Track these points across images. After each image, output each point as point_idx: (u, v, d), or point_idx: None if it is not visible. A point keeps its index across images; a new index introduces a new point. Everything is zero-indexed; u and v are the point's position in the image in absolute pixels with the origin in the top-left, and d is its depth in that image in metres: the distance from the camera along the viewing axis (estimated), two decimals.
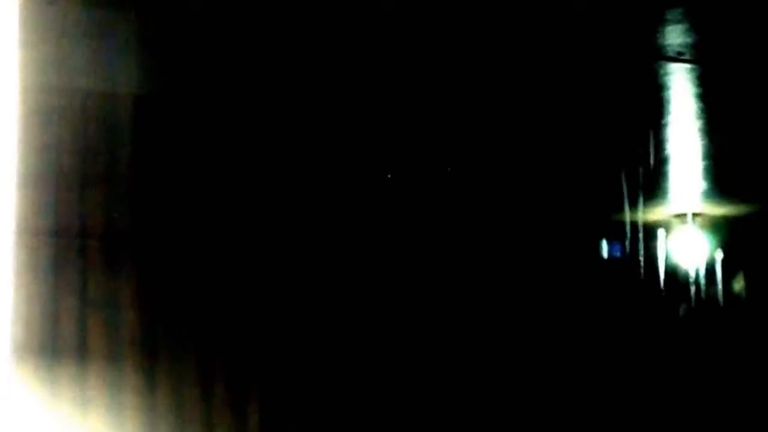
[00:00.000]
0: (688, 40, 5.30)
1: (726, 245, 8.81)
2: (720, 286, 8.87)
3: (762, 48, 5.45)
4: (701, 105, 6.07)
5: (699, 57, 5.52)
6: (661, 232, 8.64)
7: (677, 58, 5.51)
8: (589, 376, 7.96)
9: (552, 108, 6.18)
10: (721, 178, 7.51)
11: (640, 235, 8.13)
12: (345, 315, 5.56)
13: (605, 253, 8.43)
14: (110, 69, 4.86)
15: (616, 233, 8.22)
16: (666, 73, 5.67)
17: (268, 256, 5.28)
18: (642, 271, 8.34)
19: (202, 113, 5.10)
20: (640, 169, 6.84)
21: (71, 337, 4.76)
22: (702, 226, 8.61)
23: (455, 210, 6.76)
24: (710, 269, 8.84)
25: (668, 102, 6.01)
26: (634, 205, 7.55)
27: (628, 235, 8.00)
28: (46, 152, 4.76)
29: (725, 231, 8.73)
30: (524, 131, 6.38)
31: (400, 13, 5.05)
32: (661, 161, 6.83)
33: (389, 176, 6.03)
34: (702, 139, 6.59)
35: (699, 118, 6.24)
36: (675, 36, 5.31)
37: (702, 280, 8.81)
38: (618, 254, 8.39)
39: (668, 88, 5.84)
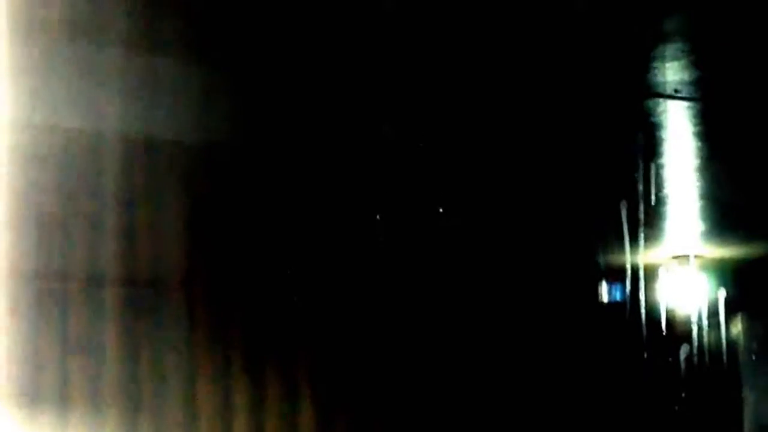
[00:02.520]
0: (685, 77, 5.28)
1: (728, 287, 8.82)
2: (721, 328, 8.86)
3: (759, 86, 5.44)
4: (699, 143, 6.07)
5: (696, 94, 5.50)
6: (661, 275, 8.64)
7: (674, 96, 5.49)
8: (590, 418, 7.92)
9: (547, 146, 6.18)
10: (723, 218, 7.52)
11: (640, 277, 8.12)
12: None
13: (605, 296, 8.41)
14: (95, 108, 4.85)
15: (615, 276, 8.22)
16: (663, 111, 5.66)
17: (258, 300, 5.24)
18: (642, 314, 8.32)
19: (191, 154, 5.07)
20: (640, 210, 6.84)
21: (52, 382, 4.72)
22: (703, 268, 8.59)
23: (448, 250, 6.74)
24: (712, 311, 8.82)
25: (665, 140, 6.01)
26: (633, 247, 7.56)
27: (628, 277, 7.99)
28: (28, 193, 4.73)
29: (727, 273, 8.73)
30: (519, 170, 6.37)
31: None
32: (660, 201, 6.84)
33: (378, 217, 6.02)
34: (701, 178, 6.59)
35: (697, 156, 6.24)
36: (672, 73, 5.29)
37: (703, 322, 8.79)
38: (618, 297, 8.38)
39: (665, 126, 5.84)
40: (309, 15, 5.00)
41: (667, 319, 8.46)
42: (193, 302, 5.01)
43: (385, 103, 5.50)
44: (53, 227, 4.78)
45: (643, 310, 8.15)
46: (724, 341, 8.89)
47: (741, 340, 9.05)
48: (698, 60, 5.21)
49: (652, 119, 5.73)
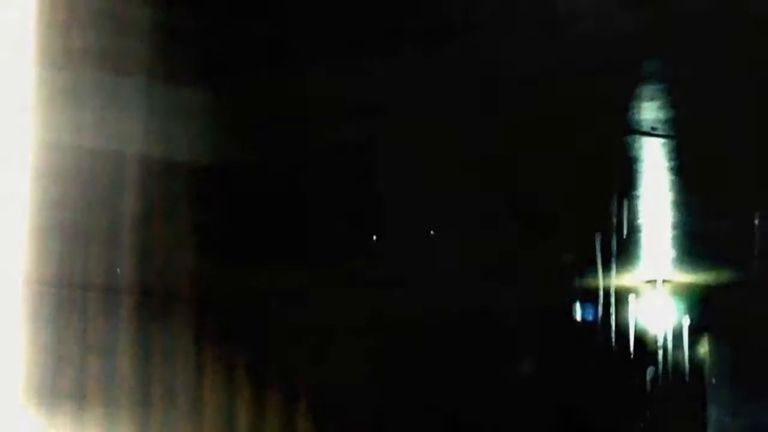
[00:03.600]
0: (661, 116, 5.49)
1: (693, 310, 8.90)
2: (688, 347, 8.95)
3: (729, 125, 5.62)
4: (672, 177, 6.22)
5: (671, 132, 5.69)
6: (632, 297, 8.73)
7: (650, 133, 5.68)
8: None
9: (527, 177, 6.32)
10: (692, 247, 7.59)
11: (612, 299, 8.19)
12: None
13: (579, 316, 8.54)
14: (116, 130, 5.04)
15: (590, 297, 8.29)
16: (640, 147, 5.85)
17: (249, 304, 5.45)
18: (612, 333, 8.41)
19: (198, 175, 5.28)
20: (616, 237, 6.93)
21: (71, 383, 4.90)
22: (672, 292, 8.72)
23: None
24: (679, 331, 8.93)
25: (642, 173, 6.17)
26: (607, 271, 7.60)
27: (602, 299, 8.07)
28: (53, 207, 4.93)
29: (693, 297, 8.82)
30: (500, 199, 6.56)
31: None
32: (635, 229, 6.96)
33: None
34: (673, 210, 6.74)
35: (670, 189, 6.39)
36: (649, 112, 5.47)
37: (671, 342, 8.90)
38: (591, 317, 8.50)
39: (642, 161, 6.02)
40: None
41: (637, 338, 8.57)
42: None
43: None
44: (74, 239, 5.00)
45: (614, 329, 8.26)
46: (690, 360, 9.00)
47: (706, 360, 9.20)
48: (673, 101, 5.43)
49: (630, 154, 5.93)
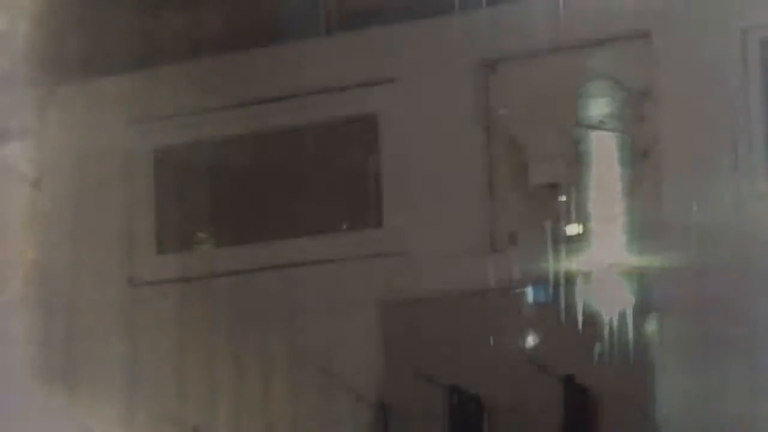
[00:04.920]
0: (609, 111, 5.87)
1: (638, 292, 9.20)
2: (631, 328, 9.26)
3: (672, 121, 5.97)
4: (620, 167, 6.50)
5: (618, 126, 6.03)
6: (580, 279, 9.01)
7: (599, 127, 6.00)
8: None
9: (488, 166, 6.68)
10: (636, 233, 7.88)
11: (563, 281, 8.46)
12: None
13: (532, 297, 8.81)
14: (101, 134, 5.34)
15: (543, 280, 8.56)
16: (590, 139, 6.21)
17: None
18: (563, 313, 8.67)
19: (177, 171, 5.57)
20: (569, 223, 7.21)
21: (63, 363, 5.19)
22: (618, 275, 9.03)
23: None
24: (625, 313, 9.23)
25: (592, 164, 6.45)
26: (558, 256, 7.86)
27: (553, 282, 8.33)
28: (50, 199, 5.23)
29: (638, 279, 9.13)
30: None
31: None
32: (587, 216, 7.17)
33: None
34: (622, 198, 6.94)
35: (619, 179, 6.64)
36: (598, 107, 5.84)
37: (620, 321, 9.19)
38: (543, 299, 8.77)
39: (591, 152, 6.34)
40: None
41: (588, 317, 8.82)
42: None
43: None
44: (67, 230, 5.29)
45: (567, 310, 8.52)
46: (639, 338, 9.26)
47: (654, 337, 9.46)
48: (621, 96, 5.73)
49: (581, 146, 6.25)
